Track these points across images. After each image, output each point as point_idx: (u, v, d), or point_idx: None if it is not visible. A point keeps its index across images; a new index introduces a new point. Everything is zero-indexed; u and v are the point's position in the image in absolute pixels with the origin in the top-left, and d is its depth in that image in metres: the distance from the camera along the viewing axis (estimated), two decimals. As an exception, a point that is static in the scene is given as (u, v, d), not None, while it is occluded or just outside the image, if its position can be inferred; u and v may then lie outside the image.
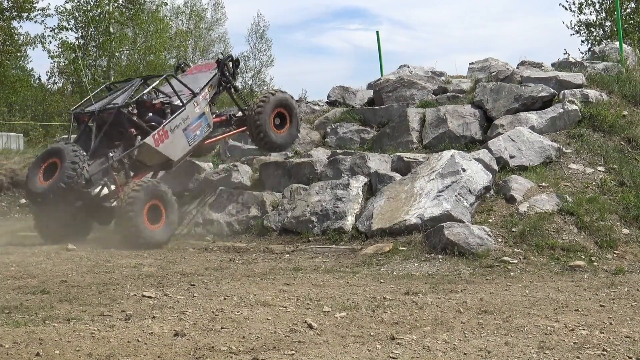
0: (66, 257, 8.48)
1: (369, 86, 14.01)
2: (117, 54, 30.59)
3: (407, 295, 6.15)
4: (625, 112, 10.92)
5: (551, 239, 8.00)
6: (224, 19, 41.03)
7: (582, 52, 22.84)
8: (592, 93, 11.23)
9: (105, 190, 9.60)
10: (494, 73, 12.66)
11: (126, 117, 9.73)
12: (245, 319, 5.21)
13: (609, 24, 24.32)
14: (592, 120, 10.71)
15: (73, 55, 29.64)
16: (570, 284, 6.73)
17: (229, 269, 7.63)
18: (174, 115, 9.88)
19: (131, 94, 10.25)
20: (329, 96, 13.87)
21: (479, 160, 9.50)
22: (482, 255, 7.66)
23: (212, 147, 11.66)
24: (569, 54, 20.17)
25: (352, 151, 11.00)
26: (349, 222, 9.21)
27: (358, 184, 9.83)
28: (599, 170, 9.64)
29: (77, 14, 29.90)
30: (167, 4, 33.95)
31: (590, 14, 25.15)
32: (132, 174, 9.75)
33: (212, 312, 5.43)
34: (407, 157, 10.37)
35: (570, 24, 25.19)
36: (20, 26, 30.73)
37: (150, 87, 10.23)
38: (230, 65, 11.14)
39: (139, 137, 9.71)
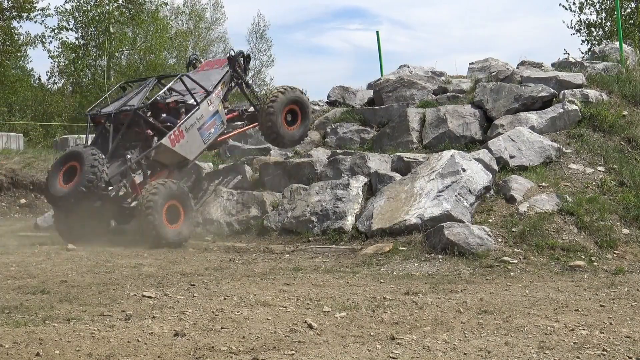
0: (66, 257, 8.48)
1: (369, 86, 14.02)
2: (117, 54, 30.57)
3: (407, 295, 6.15)
4: (625, 112, 10.92)
5: (551, 239, 8.00)
6: (224, 19, 41.11)
7: (582, 52, 22.85)
8: (592, 93, 11.23)
9: (123, 190, 9.71)
10: (494, 73, 12.66)
11: (142, 118, 9.84)
12: (245, 319, 5.21)
13: (609, 24, 24.30)
14: (592, 120, 10.71)
15: (73, 55, 29.64)
16: (570, 284, 6.73)
17: (229, 269, 7.63)
18: (188, 115, 9.98)
19: (146, 94, 10.36)
20: (329, 96, 13.88)
21: (479, 160, 9.50)
22: (482, 255, 7.66)
23: (225, 142, 11.67)
24: (569, 54, 20.23)
25: (352, 151, 11.00)
26: (349, 222, 9.21)
27: (358, 184, 9.83)
28: (599, 170, 9.63)
29: (77, 14, 29.89)
30: (167, 4, 33.99)
31: (591, 14, 25.16)
32: (148, 172, 9.91)
33: (212, 312, 5.44)
34: (407, 157, 10.37)
35: (571, 23, 25.19)
36: (20, 26, 30.73)
37: (165, 88, 10.35)
38: (242, 61, 11.21)
39: (155, 138, 9.82)
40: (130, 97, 10.43)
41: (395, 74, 13.59)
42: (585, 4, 25.00)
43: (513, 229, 8.22)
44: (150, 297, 5.97)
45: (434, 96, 12.54)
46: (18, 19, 27.15)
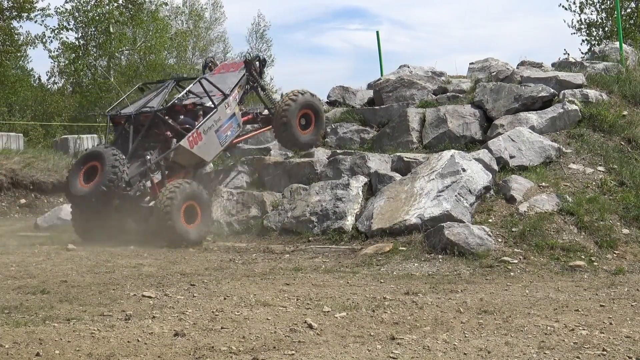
0: (66, 257, 8.49)
1: (369, 86, 14.01)
2: (117, 54, 30.57)
3: (407, 295, 6.15)
4: (625, 112, 10.92)
5: (551, 239, 8.00)
6: (223, 18, 41.11)
7: (582, 53, 22.85)
8: (592, 93, 11.23)
9: (142, 190, 9.84)
10: (494, 73, 12.66)
11: (162, 120, 10.02)
12: (245, 319, 5.21)
13: (610, 23, 24.29)
14: (592, 120, 10.71)
15: (73, 55, 29.64)
16: (570, 284, 6.73)
17: (229, 269, 7.63)
18: (206, 117, 10.16)
19: (165, 96, 10.55)
20: (329, 96, 13.87)
21: (479, 160, 9.50)
22: (482, 255, 7.66)
23: (239, 144, 11.80)
24: (569, 54, 20.23)
25: (352, 151, 11.00)
26: (349, 222, 9.21)
27: (358, 184, 9.83)
28: (599, 170, 9.64)
29: (77, 14, 29.89)
30: (167, 3, 33.98)
31: (591, 14, 25.16)
32: (167, 173, 10.05)
33: (212, 312, 5.44)
34: (407, 157, 10.37)
35: (572, 22, 25.17)
36: (20, 26, 30.71)
37: (185, 91, 10.50)
38: (258, 64, 11.39)
39: (174, 140, 9.97)
40: (149, 99, 10.60)
41: (395, 74, 13.59)
42: (585, 4, 25.00)
43: (513, 229, 8.22)
44: (150, 297, 5.97)
45: (434, 96, 12.54)
46: (18, 19, 27.15)
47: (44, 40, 29.18)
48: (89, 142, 18.02)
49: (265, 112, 11.47)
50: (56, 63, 31.13)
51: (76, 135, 18.30)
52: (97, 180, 9.32)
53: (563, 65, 12.77)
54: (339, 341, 4.69)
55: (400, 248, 8.13)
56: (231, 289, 6.39)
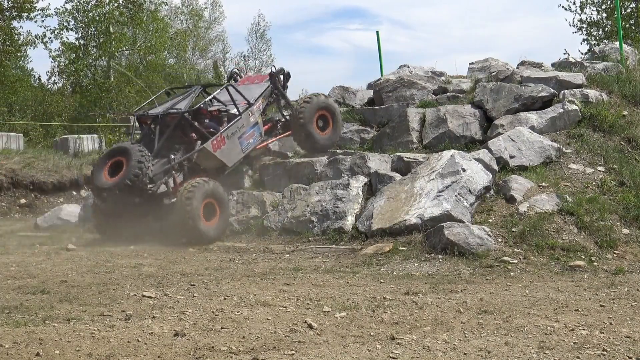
0: (66, 257, 8.49)
1: (369, 86, 14.01)
2: (117, 54, 30.57)
3: (407, 295, 6.15)
4: (625, 112, 10.92)
5: (551, 239, 8.00)
6: (222, 18, 41.10)
7: (582, 53, 22.83)
8: (592, 93, 11.23)
9: (164, 188, 9.99)
10: (494, 73, 12.66)
11: (188, 122, 10.22)
12: (245, 319, 5.22)
13: (610, 23, 24.28)
14: (592, 120, 10.71)
15: (73, 55, 29.63)
16: (570, 284, 6.73)
17: (229, 269, 7.64)
18: (231, 123, 10.42)
19: (192, 100, 10.85)
20: (329, 96, 13.86)
21: (479, 160, 9.50)
22: (482, 255, 7.66)
23: (260, 151, 12.00)
24: (569, 54, 20.19)
25: (352, 151, 11.00)
26: (349, 222, 9.21)
27: (358, 184, 9.83)
28: (599, 170, 9.64)
29: (76, 14, 29.88)
30: (166, 3, 33.98)
31: (592, 14, 25.15)
32: (188, 174, 10.22)
33: (212, 312, 5.44)
34: (407, 157, 10.37)
35: (573, 21, 25.16)
36: (21, 26, 30.70)
37: (211, 97, 10.76)
38: (282, 78, 11.71)
39: (198, 142, 10.20)
40: (176, 102, 10.86)
41: (395, 74, 13.59)
42: (585, 4, 24.99)
43: (513, 229, 8.22)
44: (150, 297, 5.97)
45: (434, 96, 12.54)
46: (18, 19, 27.14)
47: (44, 40, 29.17)
48: (89, 142, 18.02)
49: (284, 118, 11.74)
50: (56, 63, 31.15)
51: (76, 135, 18.28)
52: (122, 174, 9.50)
53: (563, 65, 12.77)
54: (339, 341, 4.69)
55: (400, 248, 8.13)
56: (231, 289, 6.39)
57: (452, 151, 9.71)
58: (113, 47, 29.50)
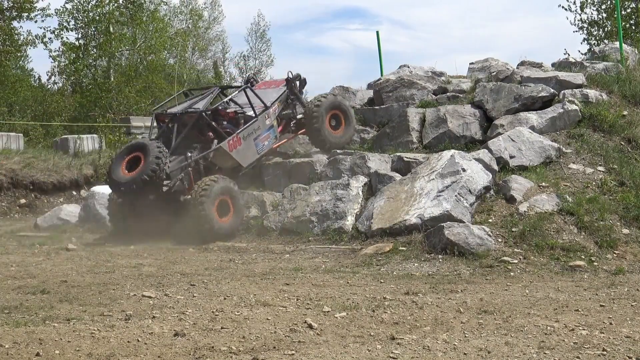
0: (66, 257, 8.50)
1: (369, 86, 14.02)
2: (117, 54, 30.57)
3: (407, 295, 6.15)
4: (625, 112, 10.91)
5: (551, 239, 8.00)
6: (222, 17, 41.09)
7: (582, 53, 22.82)
8: (592, 93, 11.23)
9: (180, 185, 10.12)
10: (494, 73, 12.66)
11: (206, 121, 10.40)
12: (245, 319, 5.22)
13: (610, 23, 24.27)
14: (592, 120, 10.71)
15: (73, 55, 29.63)
16: (570, 284, 6.73)
17: (229, 269, 7.64)
18: (247, 124, 10.62)
19: (210, 101, 11.07)
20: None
21: (479, 160, 9.50)
22: (482, 255, 7.66)
23: (275, 152, 12.11)
24: (569, 54, 20.20)
25: (352, 151, 11.00)
26: (349, 222, 9.21)
27: (358, 184, 9.83)
28: (599, 170, 9.63)
29: (77, 14, 29.87)
30: (167, 3, 33.98)
31: (592, 14, 25.13)
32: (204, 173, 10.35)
33: (212, 312, 5.44)
34: (407, 157, 10.37)
35: (574, 20, 25.14)
36: (21, 26, 30.67)
37: (228, 98, 10.99)
38: (298, 84, 11.94)
39: (215, 141, 10.36)
40: (194, 102, 11.07)
41: (395, 74, 13.59)
42: (585, 4, 24.98)
43: (513, 229, 8.22)
44: (150, 297, 5.97)
45: (434, 96, 12.54)
46: (18, 19, 27.12)
47: (45, 40, 29.16)
48: (89, 142, 17.99)
49: (299, 116, 11.86)
50: (56, 63, 31.13)
51: (76, 135, 18.22)
52: (140, 169, 9.63)
53: (563, 65, 12.77)
54: (339, 341, 4.69)
55: (400, 248, 8.13)
56: (231, 289, 6.39)
57: (452, 151, 9.71)
58: (113, 47, 29.50)
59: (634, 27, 23.84)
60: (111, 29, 29.47)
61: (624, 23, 22.12)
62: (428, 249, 7.99)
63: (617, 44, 13.32)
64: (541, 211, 8.51)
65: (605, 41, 20.49)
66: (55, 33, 29.38)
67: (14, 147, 16.93)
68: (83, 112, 29.21)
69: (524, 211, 8.58)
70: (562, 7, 25.06)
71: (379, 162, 10.36)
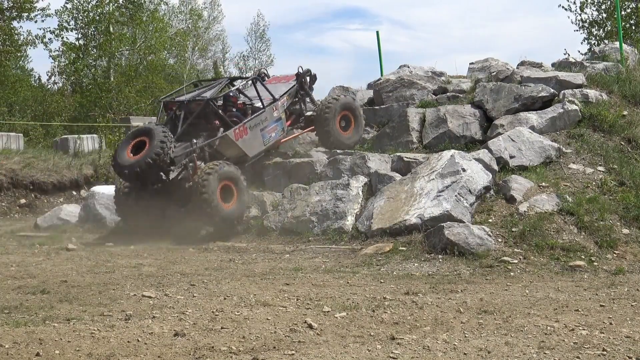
0: (66, 257, 8.50)
1: (369, 86, 14.02)
2: (117, 54, 30.57)
3: (407, 295, 6.15)
4: (625, 112, 10.92)
5: (551, 239, 8.00)
6: (221, 17, 41.06)
7: (582, 53, 22.81)
8: (592, 93, 11.23)
9: (184, 172, 10.13)
10: (494, 73, 12.66)
11: (213, 110, 10.42)
12: (245, 319, 5.22)
13: (610, 23, 24.26)
14: (592, 120, 10.71)
15: (73, 55, 29.62)
16: (570, 284, 6.73)
17: (229, 269, 7.64)
18: (254, 115, 10.71)
19: (218, 90, 11.19)
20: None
21: (479, 160, 9.50)
22: (482, 255, 7.66)
23: (282, 145, 12.17)
24: (569, 54, 20.17)
25: (352, 151, 11.01)
26: (349, 222, 9.21)
27: (358, 184, 9.83)
28: (599, 170, 9.63)
29: (76, 14, 29.87)
30: (166, 3, 33.97)
31: (592, 14, 25.12)
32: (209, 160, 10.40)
33: (212, 312, 5.44)
34: (407, 157, 10.37)
35: (575, 19, 25.13)
36: (21, 26, 30.64)
37: (236, 88, 11.10)
38: (308, 79, 11.97)
39: (221, 129, 10.41)
40: (202, 91, 11.15)
41: (395, 74, 13.59)
42: (585, 4, 24.97)
43: (513, 229, 8.22)
44: (150, 297, 5.97)
45: (434, 96, 12.54)
46: (18, 19, 27.12)
47: (45, 40, 29.16)
48: (88, 142, 17.98)
49: (308, 113, 11.92)
50: (56, 63, 31.13)
51: (76, 135, 18.20)
52: (144, 153, 9.63)
53: (563, 65, 12.77)
54: (339, 341, 4.69)
55: (400, 248, 8.13)
56: (231, 289, 6.39)
57: (452, 151, 9.71)
58: (113, 47, 29.49)
59: (634, 27, 23.85)
60: (111, 29, 29.47)
61: (624, 23, 22.13)
62: (428, 249, 7.99)
63: (617, 44, 13.32)
64: (541, 211, 8.51)
65: (605, 41, 20.48)
66: (55, 33, 29.40)
67: (14, 147, 16.92)
68: (83, 112, 29.21)
69: (524, 211, 8.58)
70: (562, 7, 25.08)
71: (379, 162, 10.36)
